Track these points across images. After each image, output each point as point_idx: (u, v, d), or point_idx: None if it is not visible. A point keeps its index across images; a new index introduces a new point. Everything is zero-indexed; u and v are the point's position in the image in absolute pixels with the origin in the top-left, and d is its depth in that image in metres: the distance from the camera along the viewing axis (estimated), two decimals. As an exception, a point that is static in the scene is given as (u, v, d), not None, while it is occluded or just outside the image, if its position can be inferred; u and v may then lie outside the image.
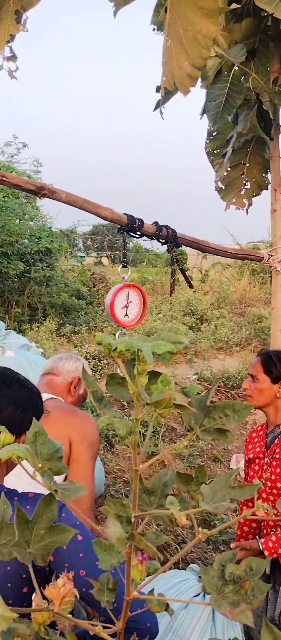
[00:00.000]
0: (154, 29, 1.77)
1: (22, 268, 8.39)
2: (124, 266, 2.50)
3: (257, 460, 2.28)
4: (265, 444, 2.28)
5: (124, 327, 2.45)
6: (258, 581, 0.65)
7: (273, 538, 2.14)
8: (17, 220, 8.75)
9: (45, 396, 1.90)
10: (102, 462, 4.78)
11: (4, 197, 8.45)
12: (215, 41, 2.85)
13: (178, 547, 4.01)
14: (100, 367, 7.25)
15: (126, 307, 2.44)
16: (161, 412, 0.63)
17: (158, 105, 2.78)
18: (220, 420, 0.70)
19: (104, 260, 22.13)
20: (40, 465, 0.67)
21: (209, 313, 11.53)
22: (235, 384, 7.19)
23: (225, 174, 3.32)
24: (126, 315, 2.43)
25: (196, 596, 2.41)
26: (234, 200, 3.38)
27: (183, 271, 14.44)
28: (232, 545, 2.26)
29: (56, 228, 11.23)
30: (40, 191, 1.97)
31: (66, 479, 2.14)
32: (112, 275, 15.78)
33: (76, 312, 9.81)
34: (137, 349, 0.60)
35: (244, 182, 3.35)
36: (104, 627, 0.72)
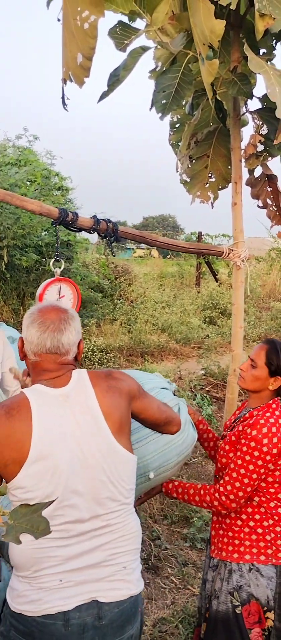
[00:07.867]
0: (58, 20, 1.75)
1: (35, 259, 8.49)
2: (56, 260, 2.49)
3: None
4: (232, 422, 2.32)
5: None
6: None
7: (176, 483, 2.24)
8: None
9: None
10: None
11: (22, 194, 8.52)
12: (163, 30, 2.78)
13: (152, 544, 3.97)
14: (106, 359, 7.27)
15: (58, 301, 2.42)
16: None
17: (103, 97, 2.74)
18: None
19: (154, 253, 22.17)
20: None
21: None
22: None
23: (189, 166, 3.25)
24: (58, 310, 2.41)
25: None
26: (199, 193, 3.31)
27: (208, 264, 14.24)
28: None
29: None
30: None
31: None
32: (138, 267, 15.77)
33: (92, 305, 9.82)
34: None
35: (209, 174, 3.27)
36: None
